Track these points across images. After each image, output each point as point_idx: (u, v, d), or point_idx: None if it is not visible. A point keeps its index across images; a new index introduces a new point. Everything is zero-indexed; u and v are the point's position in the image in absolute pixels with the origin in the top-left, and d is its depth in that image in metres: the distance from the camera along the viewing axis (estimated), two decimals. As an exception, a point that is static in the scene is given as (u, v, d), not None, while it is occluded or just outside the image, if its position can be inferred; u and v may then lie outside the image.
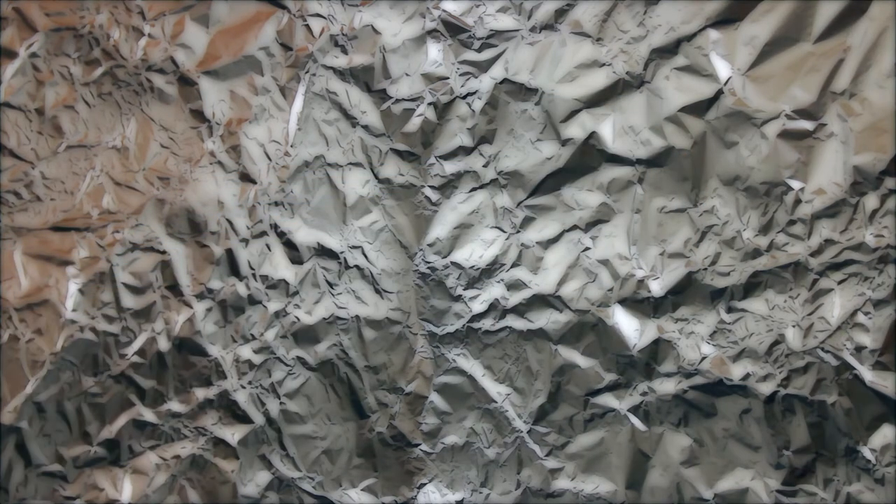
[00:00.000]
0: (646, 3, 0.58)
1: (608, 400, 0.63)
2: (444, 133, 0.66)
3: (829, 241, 0.55)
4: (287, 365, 0.74)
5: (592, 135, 0.61)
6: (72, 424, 0.70)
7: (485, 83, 0.64)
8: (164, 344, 0.72)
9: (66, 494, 0.70)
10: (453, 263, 0.67)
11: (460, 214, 0.66)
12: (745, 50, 0.56)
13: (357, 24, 0.67)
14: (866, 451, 0.55)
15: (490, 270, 0.66)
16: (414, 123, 0.66)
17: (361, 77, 0.68)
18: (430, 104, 0.66)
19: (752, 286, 0.58)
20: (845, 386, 0.55)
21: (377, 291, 0.70)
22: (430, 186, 0.67)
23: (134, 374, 0.72)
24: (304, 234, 0.72)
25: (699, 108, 0.57)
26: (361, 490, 0.72)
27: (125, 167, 0.71)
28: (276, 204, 0.73)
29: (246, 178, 0.73)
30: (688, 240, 0.59)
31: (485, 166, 0.65)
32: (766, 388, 0.57)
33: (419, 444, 0.71)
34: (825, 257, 0.55)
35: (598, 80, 0.60)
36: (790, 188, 0.56)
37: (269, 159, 0.72)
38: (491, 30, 0.63)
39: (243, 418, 0.77)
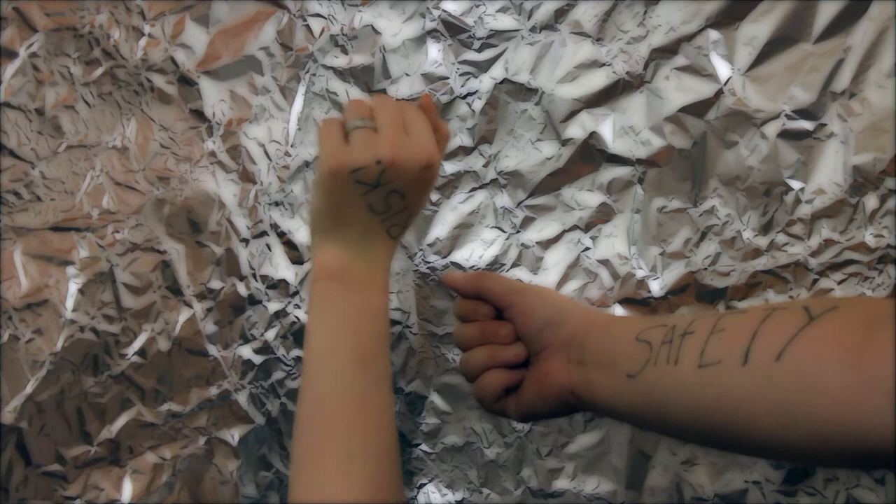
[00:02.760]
0: (646, 3, 0.58)
1: (608, 400, 0.63)
2: (444, 133, 0.66)
3: (828, 241, 0.55)
4: (287, 365, 0.74)
5: (592, 135, 0.61)
6: (72, 424, 0.70)
7: (485, 83, 0.64)
8: (164, 344, 0.72)
9: (66, 494, 0.70)
10: (453, 263, 0.67)
11: (460, 214, 0.66)
12: (745, 50, 0.56)
13: (357, 24, 0.67)
14: (866, 451, 0.55)
15: (490, 270, 0.66)
16: (414, 123, 0.66)
17: (361, 77, 0.68)
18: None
19: (752, 286, 0.58)
20: (845, 386, 0.55)
21: (377, 291, 0.70)
22: (430, 186, 0.67)
23: (134, 374, 0.72)
24: (304, 235, 0.72)
25: (699, 108, 0.57)
26: (361, 490, 0.72)
27: (125, 167, 0.71)
28: (277, 204, 0.73)
29: (246, 178, 0.73)
30: (688, 240, 0.59)
31: (485, 166, 0.65)
32: (766, 388, 0.57)
33: (419, 444, 0.71)
34: (825, 257, 0.55)
35: (598, 80, 0.60)
36: (790, 188, 0.56)
37: (270, 159, 0.72)
38: (491, 30, 0.63)
39: (243, 418, 0.77)
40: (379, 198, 0.49)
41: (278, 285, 0.73)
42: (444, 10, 0.64)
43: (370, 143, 0.48)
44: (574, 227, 0.63)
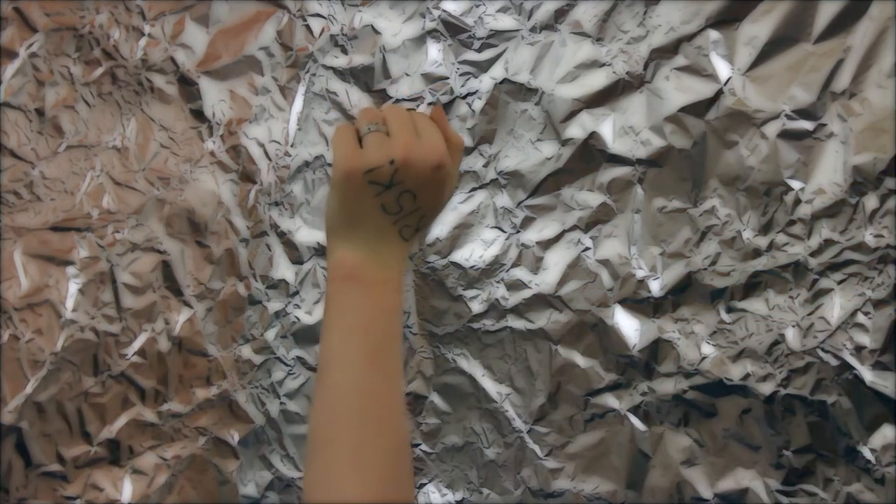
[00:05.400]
0: (646, 3, 0.58)
1: (608, 400, 0.63)
2: (444, 133, 0.66)
3: (828, 241, 0.55)
4: (287, 365, 0.74)
5: (592, 135, 0.61)
6: (72, 424, 0.70)
7: (485, 83, 0.64)
8: (164, 344, 0.72)
9: (66, 494, 0.70)
10: (453, 263, 0.67)
11: (460, 214, 0.66)
12: (745, 50, 0.56)
13: (357, 24, 0.67)
14: (866, 451, 0.55)
15: (490, 270, 0.66)
16: (414, 123, 0.66)
17: (361, 77, 0.68)
18: (430, 104, 0.66)
19: (752, 286, 0.58)
20: (845, 386, 0.55)
21: (377, 291, 0.70)
22: (430, 186, 0.67)
23: (134, 374, 0.72)
24: (304, 234, 0.72)
25: (699, 108, 0.57)
26: (361, 490, 0.72)
27: (125, 167, 0.71)
28: (276, 204, 0.73)
29: (246, 178, 0.73)
30: (688, 240, 0.59)
31: (485, 166, 0.65)
32: (766, 388, 0.57)
33: (419, 445, 0.71)
34: (825, 257, 0.55)
35: (598, 80, 0.60)
36: (790, 188, 0.56)
37: (269, 159, 0.72)
38: (491, 30, 0.63)
39: (243, 418, 0.77)
40: (391, 198, 0.51)
41: (278, 285, 0.73)
42: (444, 10, 0.64)
43: (383, 145, 0.50)
44: (574, 227, 0.63)
